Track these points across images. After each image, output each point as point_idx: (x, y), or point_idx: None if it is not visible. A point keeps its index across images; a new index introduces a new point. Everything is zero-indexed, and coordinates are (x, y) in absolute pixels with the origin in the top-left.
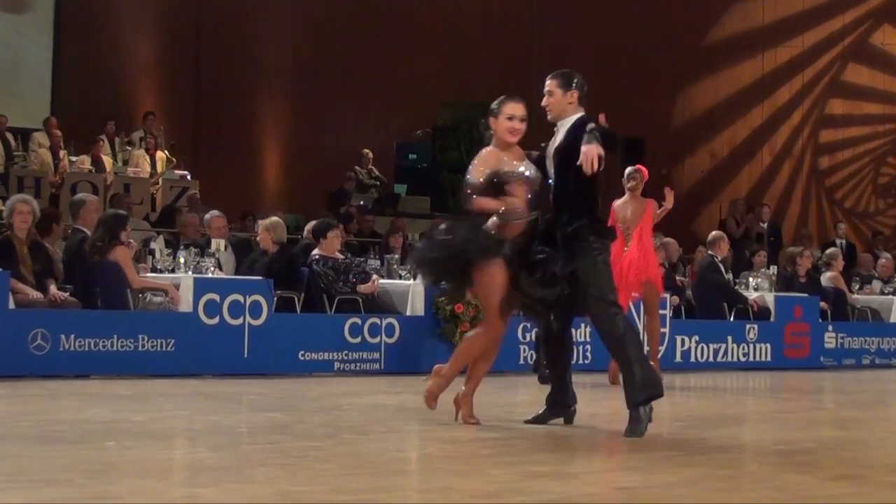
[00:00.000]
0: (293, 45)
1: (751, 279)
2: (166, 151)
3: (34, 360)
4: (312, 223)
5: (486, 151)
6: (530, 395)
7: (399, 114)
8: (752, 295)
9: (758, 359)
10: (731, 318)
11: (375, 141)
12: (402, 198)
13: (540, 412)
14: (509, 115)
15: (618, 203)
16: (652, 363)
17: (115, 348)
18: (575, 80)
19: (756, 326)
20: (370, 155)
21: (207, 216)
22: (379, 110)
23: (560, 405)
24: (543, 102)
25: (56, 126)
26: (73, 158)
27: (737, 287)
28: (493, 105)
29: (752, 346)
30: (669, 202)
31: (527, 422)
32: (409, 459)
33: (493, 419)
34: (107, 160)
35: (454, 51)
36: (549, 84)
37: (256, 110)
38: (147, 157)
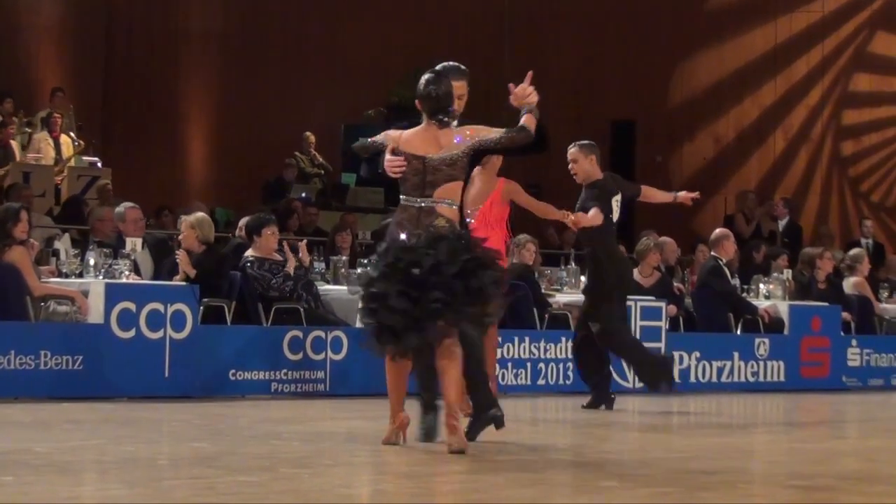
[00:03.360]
0: (222, 6)
1: (761, 285)
2: (72, 134)
3: None
4: (245, 219)
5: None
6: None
7: (347, 90)
8: (762, 304)
9: (769, 379)
10: (738, 331)
11: (319, 122)
12: (350, 189)
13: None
14: None
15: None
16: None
17: (11, 366)
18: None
19: (767, 341)
20: (313, 139)
21: (120, 208)
22: (323, 86)
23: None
24: None
25: None
26: None
27: (745, 294)
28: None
29: (762, 363)
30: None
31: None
32: (360, 497)
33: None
34: (14, 145)
35: (413, 15)
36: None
37: (179, 85)
38: (50, 141)
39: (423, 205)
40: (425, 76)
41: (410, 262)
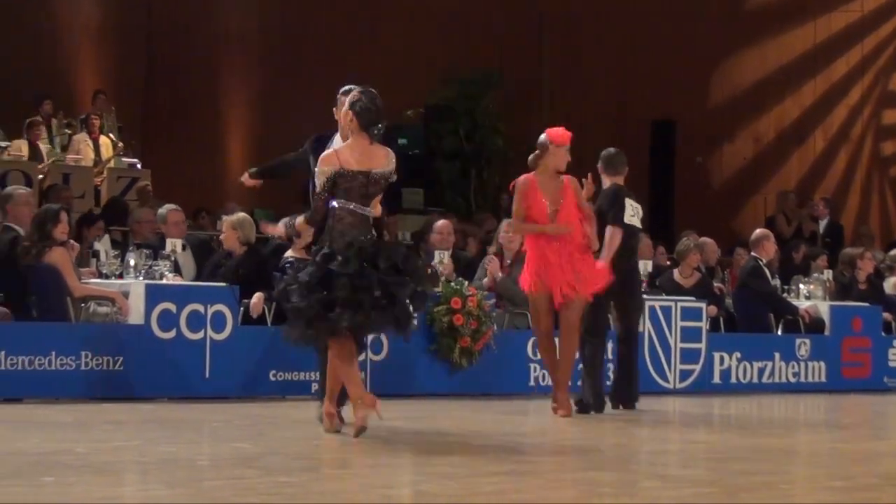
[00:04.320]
0: (261, 6)
1: (802, 286)
2: (111, 135)
3: None
4: (285, 220)
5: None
6: (540, 422)
7: (387, 90)
8: (803, 304)
9: (810, 379)
10: (779, 332)
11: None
12: (390, 190)
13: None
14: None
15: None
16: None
17: (52, 367)
18: None
19: (808, 341)
20: None
21: (162, 210)
22: (362, 85)
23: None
24: None
25: None
26: (4, 144)
27: (785, 295)
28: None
29: (803, 364)
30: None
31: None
32: (401, 498)
33: (498, 449)
34: (42, 146)
35: (452, 16)
36: None
37: (218, 86)
38: (90, 142)
39: (364, 213)
40: (359, 94)
41: (368, 257)
